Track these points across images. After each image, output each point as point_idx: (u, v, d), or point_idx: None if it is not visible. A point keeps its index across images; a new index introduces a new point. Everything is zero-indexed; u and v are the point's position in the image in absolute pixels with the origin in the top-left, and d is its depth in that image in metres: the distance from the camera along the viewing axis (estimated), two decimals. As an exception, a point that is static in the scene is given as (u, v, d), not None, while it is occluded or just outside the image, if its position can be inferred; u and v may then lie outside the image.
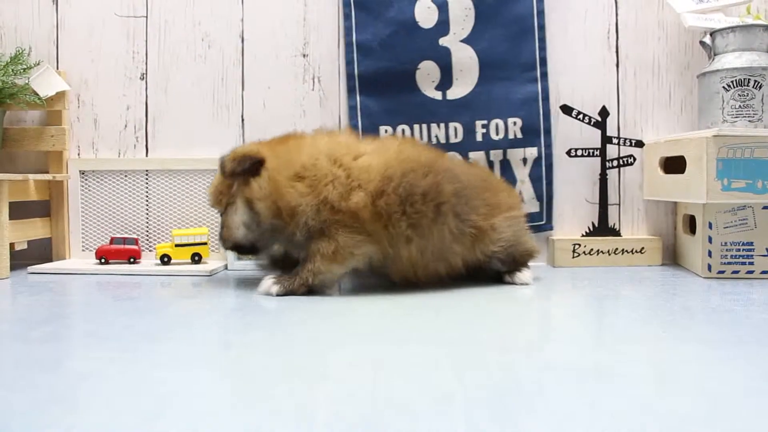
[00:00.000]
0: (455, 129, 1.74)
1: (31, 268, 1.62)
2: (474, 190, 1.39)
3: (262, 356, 0.87)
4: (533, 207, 1.76)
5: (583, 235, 1.76)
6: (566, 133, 1.76)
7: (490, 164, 1.74)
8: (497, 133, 1.73)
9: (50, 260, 1.76)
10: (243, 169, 1.32)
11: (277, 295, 1.28)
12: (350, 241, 1.27)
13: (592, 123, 1.74)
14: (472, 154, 1.74)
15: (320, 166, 1.29)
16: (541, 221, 1.76)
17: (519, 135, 1.74)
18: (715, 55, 1.60)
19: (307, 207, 1.27)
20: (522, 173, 1.75)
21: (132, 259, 1.66)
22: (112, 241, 1.67)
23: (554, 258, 1.73)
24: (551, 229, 1.77)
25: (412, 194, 1.30)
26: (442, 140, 1.74)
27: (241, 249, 1.42)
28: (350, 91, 1.75)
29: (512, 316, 1.15)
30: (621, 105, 1.77)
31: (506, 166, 1.75)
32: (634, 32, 1.76)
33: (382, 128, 1.74)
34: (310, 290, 1.30)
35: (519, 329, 1.05)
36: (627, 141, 1.75)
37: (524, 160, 1.75)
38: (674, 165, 1.62)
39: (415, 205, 1.30)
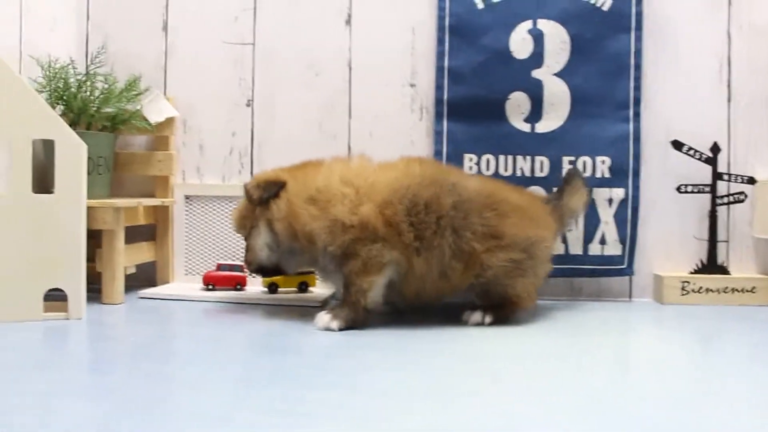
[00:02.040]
0: (541, 163, 1.72)
1: (141, 293, 1.64)
2: (473, 205, 1.36)
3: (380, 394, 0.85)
4: (615, 250, 1.71)
5: (691, 272, 1.72)
6: (673, 168, 1.73)
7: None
8: (584, 171, 1.70)
9: (155, 283, 1.78)
10: (269, 194, 1.39)
11: (339, 329, 1.29)
12: (372, 251, 1.29)
13: (703, 159, 1.71)
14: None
15: (332, 188, 1.34)
16: (622, 265, 1.72)
17: (607, 174, 1.71)
18: (839, 92, 1.56)
19: (321, 230, 1.31)
20: (606, 214, 1.71)
21: (238, 286, 1.67)
22: (219, 267, 1.68)
23: (662, 295, 1.69)
24: (632, 274, 1.72)
25: (416, 204, 1.32)
26: (528, 174, 1.71)
27: (265, 271, 1.48)
28: (438, 116, 1.74)
29: (614, 352, 1.13)
30: (732, 140, 1.73)
31: (591, 206, 1.70)
32: (747, 66, 1.73)
33: (467, 156, 1.72)
34: (368, 314, 1.32)
35: (621, 366, 1.03)
36: (738, 177, 1.71)
37: (610, 201, 1.71)
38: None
39: (419, 215, 1.32)
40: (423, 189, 1.33)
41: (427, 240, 1.32)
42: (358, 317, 1.31)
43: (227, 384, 0.94)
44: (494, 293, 1.37)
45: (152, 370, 0.99)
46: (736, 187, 1.72)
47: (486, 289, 1.37)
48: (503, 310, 1.40)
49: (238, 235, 1.52)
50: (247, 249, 1.46)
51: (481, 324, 1.37)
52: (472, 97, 1.72)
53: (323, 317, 1.31)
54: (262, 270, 1.48)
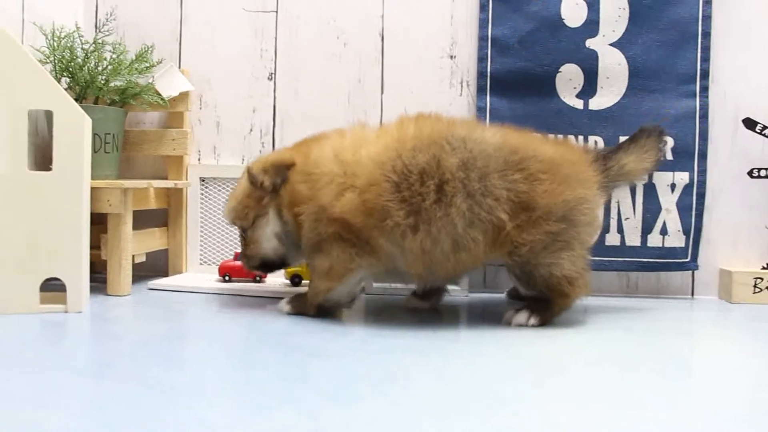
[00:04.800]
0: (596, 143, 1.54)
1: (151, 284, 1.49)
2: (493, 163, 1.14)
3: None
4: (678, 241, 1.53)
5: (764, 268, 1.54)
6: (744, 150, 1.54)
7: (632, 187, 1.53)
8: None
9: (166, 273, 1.63)
10: (283, 179, 1.23)
11: (288, 314, 1.24)
12: (344, 255, 1.16)
13: (779, 139, 1.52)
14: None
15: (323, 164, 1.19)
16: (685, 258, 1.54)
17: (669, 156, 1.52)
18: None
19: (307, 216, 1.17)
20: (668, 201, 1.53)
21: (258, 278, 1.51)
22: (237, 256, 1.52)
23: (731, 292, 1.50)
24: (696, 268, 1.54)
25: (407, 176, 1.13)
26: None
27: (269, 266, 1.32)
28: (480, 91, 1.56)
29: (677, 359, 0.96)
30: (811, 119, 1.54)
31: (650, 191, 1.53)
32: (830, 36, 1.53)
33: None
34: (321, 310, 1.23)
35: (685, 377, 0.85)
36: (818, 161, 1.52)
37: (672, 186, 1.53)
38: None
39: (413, 188, 1.13)
40: (418, 154, 1.14)
41: (425, 212, 1.12)
42: (308, 312, 1.24)
43: (240, 394, 0.78)
44: (538, 277, 1.17)
45: (155, 375, 0.84)
46: (815, 172, 1.53)
47: (527, 270, 1.17)
48: (551, 309, 1.21)
49: (233, 227, 1.34)
50: (249, 242, 1.28)
51: (525, 325, 1.19)
52: (519, 70, 1.55)
53: (282, 301, 1.28)
54: (265, 265, 1.31)
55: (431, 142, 1.15)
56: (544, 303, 1.21)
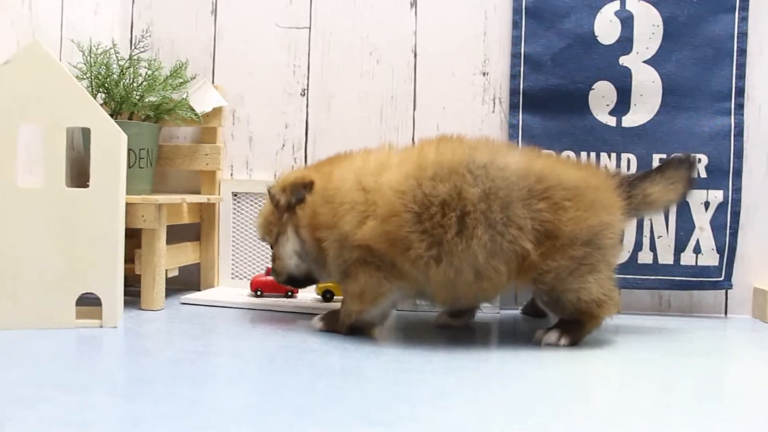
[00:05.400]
0: (628, 160, 1.53)
1: (183, 298, 1.50)
2: (515, 192, 1.12)
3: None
4: (711, 260, 1.51)
5: (800, 288, 1.51)
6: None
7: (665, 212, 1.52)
8: None
9: (198, 288, 1.64)
10: (298, 198, 1.25)
11: (320, 330, 1.25)
12: (372, 280, 1.15)
13: (818, 158, 1.50)
14: None
15: (344, 191, 1.19)
16: (719, 277, 1.52)
17: (703, 174, 1.51)
18: None
19: (331, 244, 1.17)
20: (702, 219, 1.52)
21: (289, 293, 1.52)
22: (269, 271, 1.53)
23: (766, 312, 1.48)
24: (730, 287, 1.52)
25: (428, 207, 1.11)
26: None
27: (296, 281, 1.34)
28: (513, 108, 1.56)
29: (712, 381, 0.94)
30: None
31: (684, 209, 1.52)
32: None
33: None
34: (353, 330, 1.22)
35: (719, 398, 0.83)
36: None
37: (706, 204, 1.52)
38: None
39: (434, 218, 1.11)
40: (438, 184, 1.12)
41: (447, 244, 1.11)
42: (340, 330, 1.23)
43: (272, 414, 0.78)
44: (567, 302, 1.16)
45: (187, 394, 0.84)
46: None
47: (554, 297, 1.16)
48: (581, 329, 1.20)
49: (264, 243, 1.39)
50: (275, 257, 1.33)
51: (555, 345, 1.18)
52: (552, 87, 1.54)
53: (315, 318, 1.29)
54: (292, 280, 1.33)
55: (452, 170, 1.13)
56: (574, 323, 1.20)
